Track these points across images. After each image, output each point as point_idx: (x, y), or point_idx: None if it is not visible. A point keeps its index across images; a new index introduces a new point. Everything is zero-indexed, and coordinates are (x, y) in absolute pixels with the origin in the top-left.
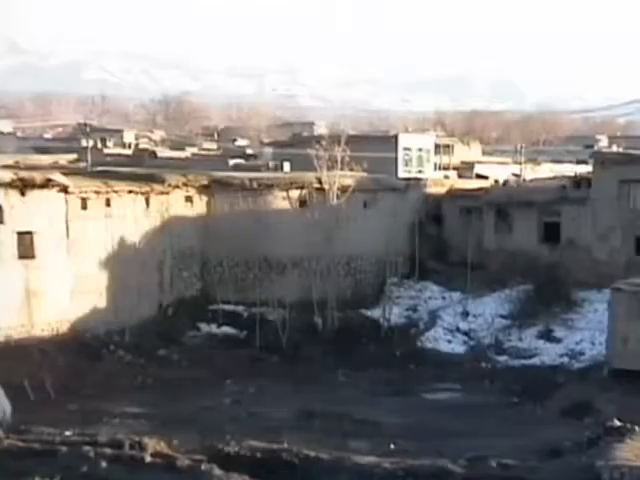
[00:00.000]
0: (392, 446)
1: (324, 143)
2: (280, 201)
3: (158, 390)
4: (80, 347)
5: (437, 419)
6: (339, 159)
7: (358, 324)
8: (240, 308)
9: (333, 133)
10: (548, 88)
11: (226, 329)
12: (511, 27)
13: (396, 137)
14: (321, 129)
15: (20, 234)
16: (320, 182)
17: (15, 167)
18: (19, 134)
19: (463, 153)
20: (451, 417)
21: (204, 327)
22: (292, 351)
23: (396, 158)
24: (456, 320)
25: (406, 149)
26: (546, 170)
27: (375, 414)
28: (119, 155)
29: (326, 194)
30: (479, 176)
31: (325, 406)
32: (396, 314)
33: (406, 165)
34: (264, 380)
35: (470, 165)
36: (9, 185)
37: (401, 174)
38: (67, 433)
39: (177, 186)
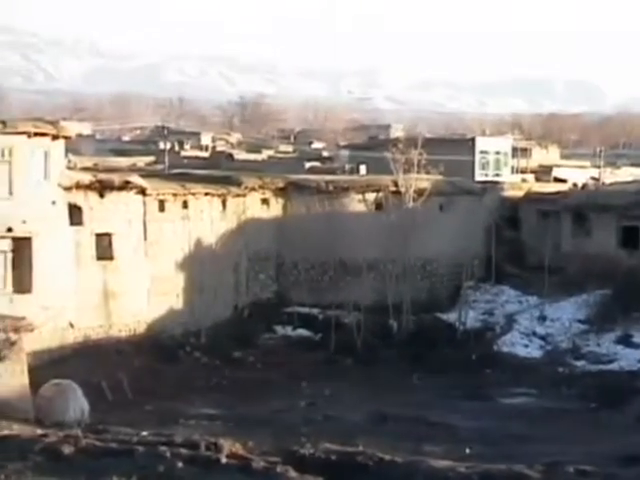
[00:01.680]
0: (467, 450)
1: (400, 146)
2: (356, 204)
3: (233, 392)
4: (157, 348)
5: (513, 424)
6: (415, 162)
7: (433, 327)
8: (315, 311)
9: (409, 136)
10: (628, 90)
11: (301, 331)
12: (590, 27)
13: (473, 140)
14: (397, 132)
15: (98, 235)
16: (396, 185)
17: (94, 169)
18: (98, 136)
19: (541, 156)
20: (527, 422)
21: (279, 329)
22: (367, 354)
23: (473, 161)
24: (533, 324)
25: (483, 152)
26: (625, 174)
27: (450, 418)
28: (196, 157)
29: (402, 197)
30: (557, 179)
31: (400, 409)
32: (472, 318)
33: (483, 168)
34: (339, 383)
35: (548, 168)
36: (88, 187)
37: (478, 177)
38: (144, 433)
39: (253, 188)
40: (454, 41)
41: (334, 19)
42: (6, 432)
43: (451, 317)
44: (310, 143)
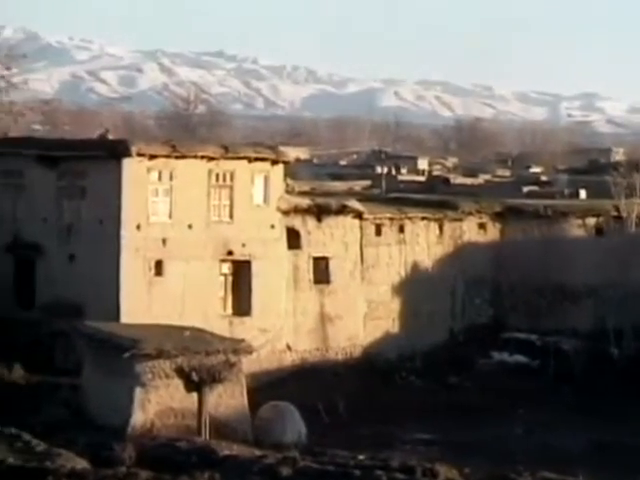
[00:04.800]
0: None
1: (622, 170)
2: (575, 229)
3: (449, 417)
4: (372, 372)
5: None
6: (638, 186)
7: None
8: (533, 336)
9: (631, 159)
10: None
11: (518, 357)
12: None
13: None
14: (618, 155)
15: (316, 259)
16: (617, 210)
17: (311, 193)
18: (315, 161)
19: None
20: None
21: (496, 355)
22: (586, 381)
23: None
24: None
25: None
26: None
27: None
28: (413, 182)
29: (624, 222)
30: None
31: (621, 439)
32: None
33: None
34: (557, 410)
35: None
36: (306, 211)
37: None
38: (360, 457)
39: (470, 213)
40: None
41: (551, 43)
42: (226, 452)
43: None
44: (528, 167)
